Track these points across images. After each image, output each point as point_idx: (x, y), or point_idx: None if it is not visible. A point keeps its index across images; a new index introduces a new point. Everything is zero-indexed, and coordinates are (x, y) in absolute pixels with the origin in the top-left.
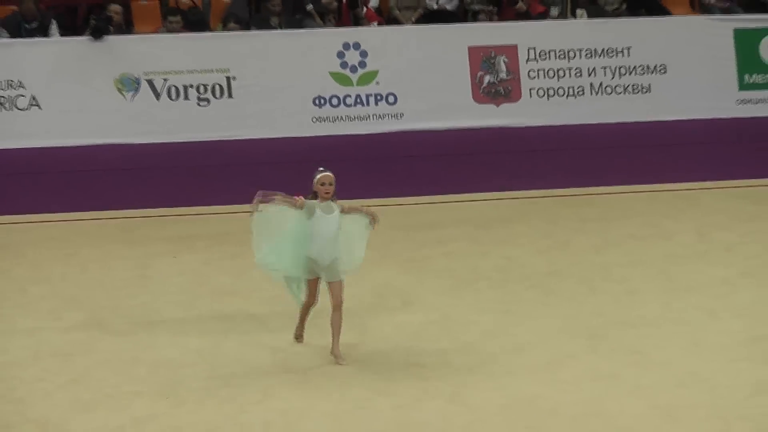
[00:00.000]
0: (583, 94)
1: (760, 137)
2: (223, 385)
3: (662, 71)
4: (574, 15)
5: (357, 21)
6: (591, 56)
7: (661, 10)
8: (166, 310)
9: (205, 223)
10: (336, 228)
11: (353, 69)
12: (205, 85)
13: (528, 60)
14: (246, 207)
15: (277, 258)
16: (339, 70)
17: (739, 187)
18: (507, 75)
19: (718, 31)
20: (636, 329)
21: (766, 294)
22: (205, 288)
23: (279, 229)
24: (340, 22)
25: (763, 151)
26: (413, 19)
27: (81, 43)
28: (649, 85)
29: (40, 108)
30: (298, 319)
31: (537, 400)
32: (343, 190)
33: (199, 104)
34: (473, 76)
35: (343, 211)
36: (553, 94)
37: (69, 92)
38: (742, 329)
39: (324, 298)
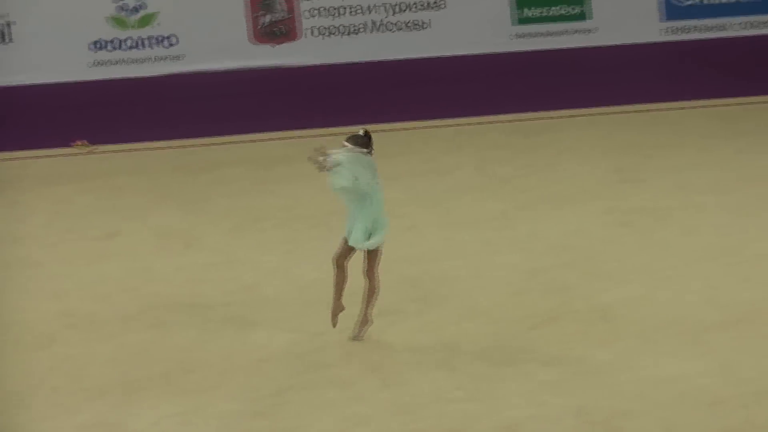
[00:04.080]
0: (363, 31)
1: (535, 71)
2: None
3: (443, 6)
4: None
5: None
6: None
7: None
8: None
9: None
10: None
11: (132, 11)
12: None
13: None
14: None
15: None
16: (117, 13)
17: (515, 120)
18: (284, 14)
19: None
20: (417, 265)
21: (542, 226)
22: None
23: None
24: None
25: (537, 84)
26: None
27: None
28: (430, 20)
29: None
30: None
31: (319, 338)
32: (124, 135)
33: None
34: (251, 16)
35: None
36: (335, 33)
37: None
38: (521, 262)
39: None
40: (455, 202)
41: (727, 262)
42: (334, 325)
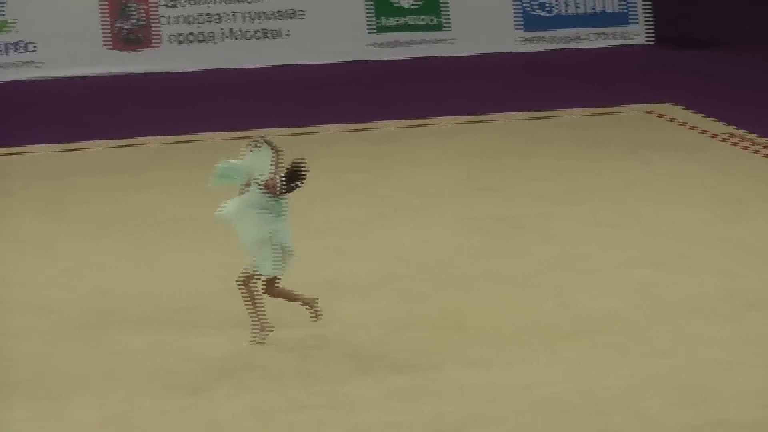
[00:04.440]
0: (221, 39)
1: (393, 80)
2: None
3: (301, 16)
4: None
5: None
6: (228, 2)
7: None
8: None
9: None
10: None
11: None
12: None
13: (164, 6)
14: None
15: None
16: None
17: (371, 129)
18: (142, 21)
19: None
20: None
21: (397, 234)
22: None
23: None
24: None
25: (394, 93)
26: None
27: None
28: (289, 30)
29: None
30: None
31: (171, 345)
32: None
33: None
34: (108, 23)
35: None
36: (193, 40)
37: None
38: (376, 269)
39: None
40: (310, 210)
41: (578, 271)
42: (318, 314)
